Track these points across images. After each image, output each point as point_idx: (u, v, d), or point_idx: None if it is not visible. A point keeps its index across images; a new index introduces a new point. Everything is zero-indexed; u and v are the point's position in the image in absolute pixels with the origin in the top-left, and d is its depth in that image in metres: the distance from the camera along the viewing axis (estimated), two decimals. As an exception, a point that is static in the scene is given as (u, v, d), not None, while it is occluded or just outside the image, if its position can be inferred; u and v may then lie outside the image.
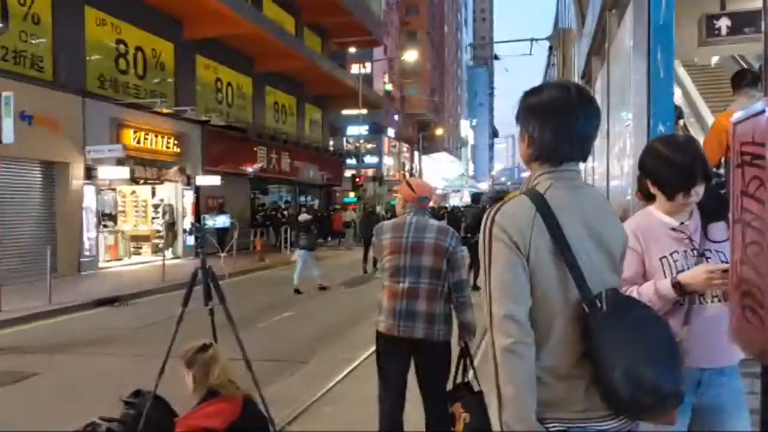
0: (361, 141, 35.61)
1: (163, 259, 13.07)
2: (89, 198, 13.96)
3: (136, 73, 16.49)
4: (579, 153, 1.58)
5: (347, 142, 39.51)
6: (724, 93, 11.87)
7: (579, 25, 10.38)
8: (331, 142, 32.03)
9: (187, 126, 17.31)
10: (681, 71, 10.80)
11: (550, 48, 23.03)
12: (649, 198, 2.22)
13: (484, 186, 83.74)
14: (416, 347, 3.19)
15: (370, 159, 41.83)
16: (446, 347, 3.23)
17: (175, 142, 16.95)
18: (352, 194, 29.47)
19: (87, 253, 13.84)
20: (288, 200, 22.29)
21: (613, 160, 5.83)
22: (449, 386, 3.10)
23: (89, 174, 13.86)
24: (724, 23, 5.54)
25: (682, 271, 2.03)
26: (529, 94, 1.62)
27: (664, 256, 2.08)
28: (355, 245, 22.77)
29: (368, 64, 37.50)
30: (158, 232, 16.95)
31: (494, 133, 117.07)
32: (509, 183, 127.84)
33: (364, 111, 30.38)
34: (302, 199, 27.15)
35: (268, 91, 23.99)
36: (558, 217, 1.48)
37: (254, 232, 17.95)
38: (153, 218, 17.29)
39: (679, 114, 5.46)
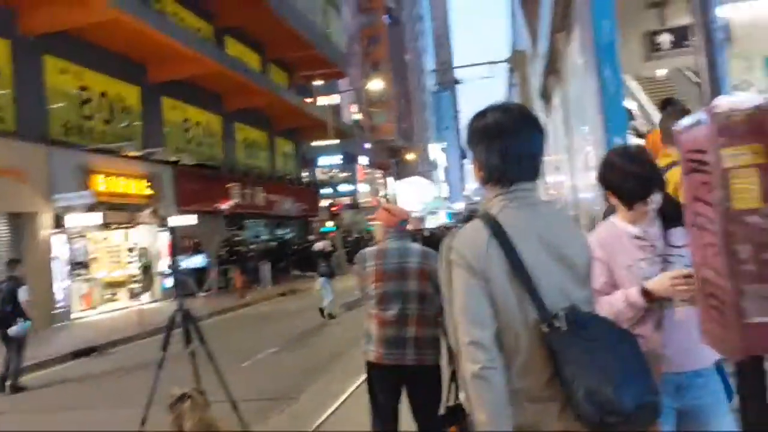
0: (335, 170, 35.72)
1: (141, 304, 12.84)
2: (59, 247, 13.69)
3: (102, 118, 16.38)
4: (528, 173, 1.62)
5: (321, 172, 39.57)
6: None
7: (533, 47, 10.71)
8: (305, 174, 32.05)
9: (158, 167, 17.19)
10: (634, 85, 11.17)
11: (510, 69, 23.62)
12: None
13: (459, 206, 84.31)
14: (408, 374, 3.17)
15: (345, 187, 41.93)
16: (437, 371, 3.22)
17: (147, 184, 16.80)
18: (329, 223, 29.41)
19: (59, 305, 13.51)
20: (257, 235, 21.99)
21: (578, 172, 6.00)
22: (442, 410, 3.11)
23: (58, 223, 13.62)
24: (665, 38, 5.80)
25: (649, 278, 2.09)
26: (475, 119, 1.67)
27: (630, 265, 2.14)
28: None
29: (335, 96, 37.84)
30: (134, 276, 16.65)
31: (463, 154, 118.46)
32: (483, 201, 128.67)
33: (336, 141, 30.55)
34: (279, 232, 27.01)
35: (237, 128, 24.00)
36: (512, 237, 1.50)
37: (233, 269, 17.73)
38: (128, 263, 17.00)
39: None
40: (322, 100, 33.39)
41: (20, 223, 13.09)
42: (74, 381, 8.15)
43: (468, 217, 24.57)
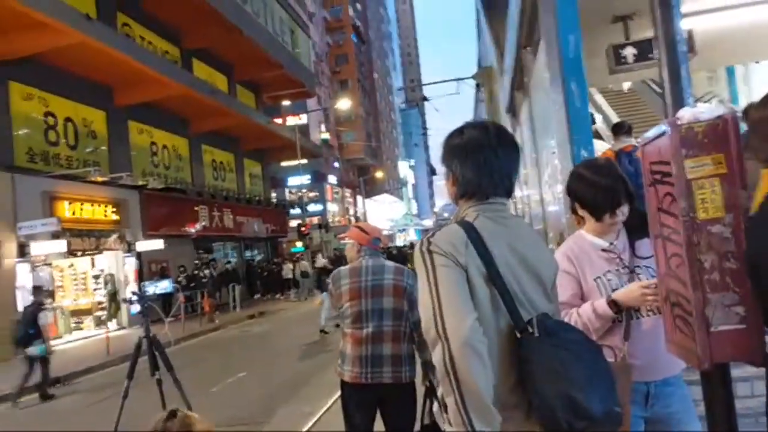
0: (304, 190, 35.60)
1: (107, 332, 12.47)
2: (23, 276, 13.25)
3: (68, 143, 16.02)
4: (502, 188, 1.64)
5: (290, 192, 39.39)
6: (640, 114, 12.68)
7: (499, 63, 10.91)
8: (274, 194, 31.82)
9: (124, 192, 16.86)
10: (599, 98, 11.46)
11: (477, 85, 23.97)
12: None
13: (428, 223, 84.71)
14: (384, 393, 3.13)
15: (314, 207, 41.81)
16: (412, 388, 3.20)
17: (113, 209, 16.44)
18: (299, 244, 29.19)
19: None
20: (214, 258, 21.46)
21: (545, 186, 6.08)
22: (417, 427, 3.07)
23: (22, 251, 13.20)
24: (629, 51, 5.97)
25: (616, 289, 2.12)
26: (451, 137, 1.70)
27: (598, 277, 2.17)
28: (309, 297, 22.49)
29: (303, 115, 37.87)
30: (100, 303, 16.20)
31: (432, 171, 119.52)
32: (452, 218, 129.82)
33: (304, 161, 30.49)
34: (248, 254, 26.68)
35: (204, 150, 23.76)
36: (487, 244, 1.52)
37: (201, 293, 17.37)
38: (94, 290, 16.55)
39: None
40: (291, 120, 33.37)
41: (-20, 252, 12.63)
42: (36, 414, 7.81)
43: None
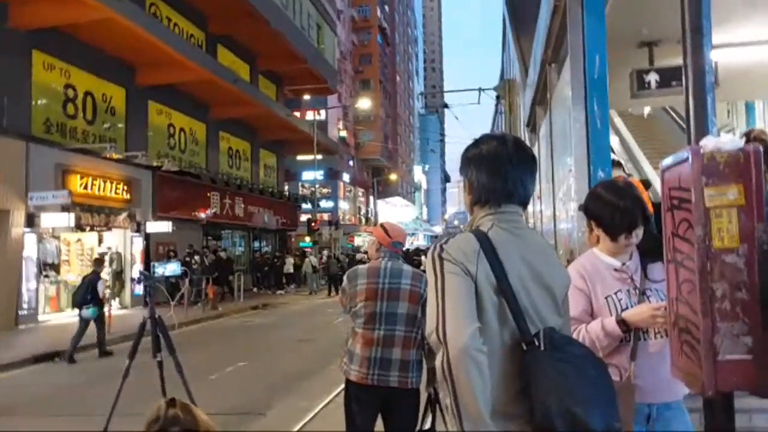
0: (317, 186, 35.70)
1: (109, 310, 12.54)
2: (30, 247, 13.37)
3: (85, 118, 16.18)
4: (516, 196, 1.66)
5: (302, 187, 39.50)
6: (656, 140, 12.64)
7: (523, 77, 10.89)
8: (286, 187, 31.95)
9: (138, 172, 16.98)
10: (618, 120, 11.43)
11: (498, 97, 23.93)
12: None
13: (438, 229, 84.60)
14: (389, 396, 3.12)
15: (325, 203, 41.90)
16: (417, 394, 3.20)
17: (125, 188, 16.57)
18: (307, 239, 29.27)
19: (26, 306, 13.14)
20: (205, 245, 21.22)
21: (559, 203, 6.06)
22: None
23: (31, 222, 13.31)
24: (652, 77, 5.95)
25: (626, 309, 2.14)
26: (469, 148, 1.74)
27: (609, 296, 2.18)
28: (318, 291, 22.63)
29: (323, 111, 37.99)
30: (104, 281, 16.31)
31: (446, 178, 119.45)
32: (461, 226, 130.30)
33: (319, 157, 30.58)
34: (256, 244, 26.77)
35: (222, 137, 23.89)
36: (500, 255, 1.54)
37: (206, 279, 17.46)
38: (99, 267, 16.66)
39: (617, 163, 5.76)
40: (310, 115, 33.48)
41: (-8, 219, 12.77)
42: (33, 386, 7.89)
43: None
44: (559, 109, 5.57)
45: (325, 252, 26.91)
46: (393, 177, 59.03)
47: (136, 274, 15.17)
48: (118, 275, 16.05)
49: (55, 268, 15.30)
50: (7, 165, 12.71)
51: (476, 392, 1.40)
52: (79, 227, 14.96)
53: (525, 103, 10.18)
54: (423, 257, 26.10)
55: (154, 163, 17.54)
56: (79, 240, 16.47)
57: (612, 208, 2.16)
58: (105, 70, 16.54)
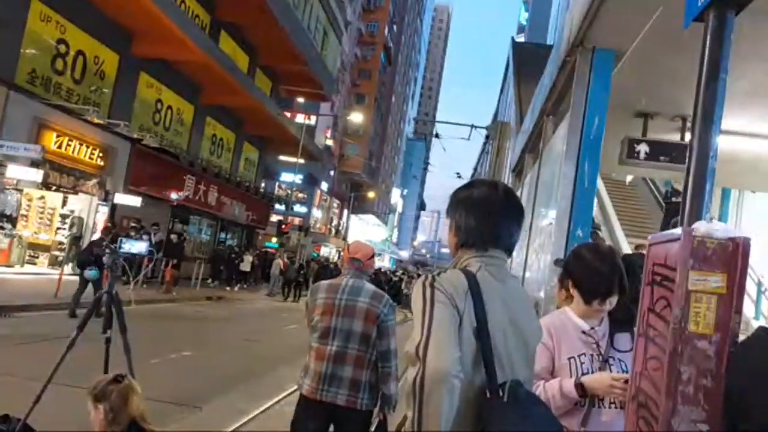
0: (294, 189, 35.48)
1: (61, 273, 12.19)
2: (-9, 195, 12.95)
3: (73, 76, 15.82)
4: (503, 241, 1.67)
5: (279, 187, 39.23)
6: (631, 209, 12.91)
7: (517, 123, 11.08)
8: (263, 184, 31.66)
9: (116, 140, 16.63)
10: (599, 183, 11.66)
11: (487, 137, 24.25)
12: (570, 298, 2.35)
13: (405, 254, 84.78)
14: (337, 414, 3.07)
15: (299, 208, 41.65)
16: (367, 417, 3.13)
17: (100, 154, 16.19)
18: (274, 240, 28.97)
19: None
20: (171, 228, 19.67)
21: (532, 253, 6.12)
22: None
23: (-3, 170, 12.91)
24: (643, 148, 6.10)
25: (587, 373, 2.14)
26: (460, 190, 1.76)
27: (573, 357, 2.18)
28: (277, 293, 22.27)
29: (314, 117, 37.96)
30: (61, 243, 15.85)
31: (422, 206, 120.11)
32: (428, 255, 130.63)
33: (302, 161, 30.45)
34: (222, 235, 26.37)
35: (208, 122, 23.63)
36: (485, 298, 1.54)
37: (165, 261, 17.07)
38: (58, 229, 16.20)
39: (596, 227, 5.88)
40: (300, 117, 33.40)
41: (-45, 160, 12.35)
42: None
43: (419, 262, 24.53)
44: (549, 162, 5.65)
45: (284, 256, 26.30)
46: (371, 194, 59.12)
47: (104, 248, 14.73)
48: (76, 240, 15.60)
49: (12, 221, 14.82)
50: (-17, 108, 12.33)
51: (442, 416, 1.38)
52: (46, 185, 14.55)
53: (515, 148, 10.35)
54: (390, 278, 26.11)
55: (135, 135, 17.21)
56: (42, 197, 16.01)
57: (591, 272, 2.18)
58: (102, 33, 16.24)
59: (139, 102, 18.77)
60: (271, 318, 15.60)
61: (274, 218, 30.84)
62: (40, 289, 11.76)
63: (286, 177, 37.56)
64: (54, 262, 15.39)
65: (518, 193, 7.98)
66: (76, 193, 15.89)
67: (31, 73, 14.36)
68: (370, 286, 3.24)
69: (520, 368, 1.59)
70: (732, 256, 1.64)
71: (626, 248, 10.10)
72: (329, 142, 46.80)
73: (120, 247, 4.09)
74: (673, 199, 8.49)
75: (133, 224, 16.83)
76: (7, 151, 12.78)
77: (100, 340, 3.41)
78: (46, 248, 15.91)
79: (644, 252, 2.02)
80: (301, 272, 23.75)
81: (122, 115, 17.04)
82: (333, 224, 53.11)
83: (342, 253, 3.54)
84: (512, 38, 22.76)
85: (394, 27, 66.32)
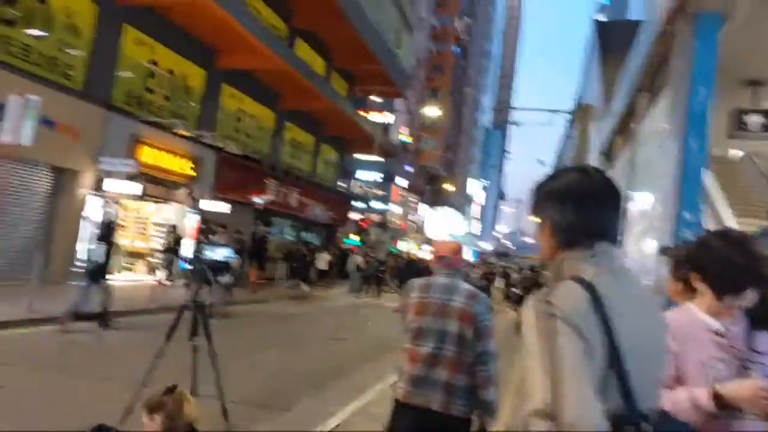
0: (371, 187, 35.71)
1: (156, 280, 12.81)
2: (92, 208, 13.84)
3: (164, 93, 16.68)
4: (610, 234, 1.40)
5: (357, 186, 39.67)
6: (734, 189, 11.82)
7: (603, 103, 10.42)
8: (341, 183, 32.05)
9: (203, 150, 17.36)
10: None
11: (571, 121, 23.25)
12: (693, 290, 2.05)
13: (487, 246, 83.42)
14: (431, 420, 2.86)
15: (377, 205, 41.93)
16: (465, 426, 2.89)
17: (189, 164, 16.96)
18: (355, 237, 29.27)
19: (78, 264, 13.59)
20: (254, 230, 20.48)
21: (631, 240, 5.66)
22: None
23: (98, 185, 13.79)
24: (755, 119, 5.47)
25: (722, 381, 1.82)
26: (545, 182, 1.48)
27: (704, 362, 1.87)
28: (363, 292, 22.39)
29: (389, 114, 38.01)
30: (156, 251, 16.70)
31: (501, 195, 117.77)
32: (512, 246, 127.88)
33: (379, 158, 30.56)
34: (304, 235, 26.94)
35: (287, 127, 24.19)
36: (608, 313, 1.25)
37: (250, 264, 17.60)
38: (153, 237, 17.09)
39: None
40: (374, 115, 33.55)
41: (62, 178, 13.29)
42: (71, 343, 8.03)
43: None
44: (646, 141, 5.19)
45: (359, 251, 26.02)
46: (449, 187, 58.54)
47: (186, 252, 15.40)
48: (170, 248, 16.38)
49: (113, 230, 15.74)
50: (86, 129, 13.22)
51: None
52: (141, 196, 15.38)
53: (602, 130, 9.72)
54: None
55: (219, 144, 17.88)
56: (137, 208, 16.95)
57: (723, 262, 1.85)
58: (188, 51, 17.02)
59: (222, 112, 19.50)
60: (353, 315, 15.68)
61: (354, 216, 31.13)
62: (136, 295, 12.41)
63: (363, 175, 37.86)
64: (149, 270, 16.21)
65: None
66: (168, 202, 16.69)
67: (127, 93, 15.26)
68: (465, 285, 3.02)
69: (651, 389, 1.32)
70: None
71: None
72: (405, 138, 46.77)
73: (203, 255, 4.12)
74: None
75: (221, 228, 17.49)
76: (106, 167, 13.65)
77: (189, 347, 3.42)
78: (141, 256, 16.82)
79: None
80: (380, 268, 23.73)
81: (208, 126, 17.77)
82: (411, 219, 53.07)
83: (432, 252, 3.35)
84: (595, 19, 21.68)
85: (466, 18, 65.27)
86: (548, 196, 1.44)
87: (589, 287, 1.27)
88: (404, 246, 46.24)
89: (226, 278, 11.77)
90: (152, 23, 15.35)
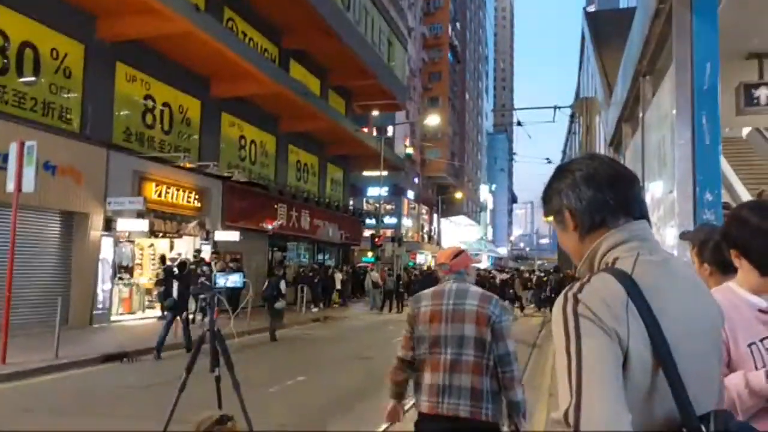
0: (381, 202, 35.68)
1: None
2: (106, 250, 13.88)
3: (162, 128, 16.76)
4: (635, 206, 1.25)
5: (367, 202, 39.64)
6: (747, 165, 11.66)
7: (605, 94, 10.32)
8: (351, 202, 32.06)
9: (209, 181, 17.41)
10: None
11: (572, 116, 23.10)
12: (723, 271, 1.94)
13: (503, 251, 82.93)
14: (461, 428, 2.79)
15: (389, 220, 41.86)
16: (495, 430, 2.84)
17: (196, 196, 17.01)
18: (370, 254, 29.21)
19: (100, 306, 13.63)
20: (270, 257, 20.76)
21: (652, 228, 5.53)
22: None
23: (108, 225, 13.84)
24: (763, 93, 5.36)
25: (774, 361, 1.71)
26: (553, 180, 1.34)
27: (754, 343, 1.76)
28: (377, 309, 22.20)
29: (390, 128, 38.09)
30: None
31: (513, 199, 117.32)
32: (527, 249, 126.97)
33: (385, 173, 30.55)
34: (320, 257, 26.92)
35: (291, 150, 24.27)
36: (652, 305, 1.11)
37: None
38: (169, 272, 17.11)
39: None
40: (377, 131, 33.62)
41: (72, 222, 13.36)
42: (98, 385, 8.00)
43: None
44: (654, 126, 5.08)
45: (384, 268, 26.01)
46: (458, 195, 58.37)
47: (199, 285, 15.43)
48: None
49: (129, 270, 15.84)
50: (89, 170, 13.30)
51: None
52: (153, 233, 15.43)
53: (608, 120, 9.62)
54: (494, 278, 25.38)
55: (225, 174, 17.93)
56: (151, 245, 17.00)
57: (763, 236, 1.75)
58: (182, 82, 17.11)
59: (224, 141, 19.58)
60: (377, 332, 15.54)
61: (367, 233, 31.09)
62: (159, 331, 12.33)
63: (372, 191, 37.87)
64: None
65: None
66: (180, 236, 16.73)
67: (126, 131, 15.35)
68: (476, 288, 2.97)
69: (709, 386, 1.17)
70: None
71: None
72: (409, 150, 46.78)
73: (215, 282, 4.06)
74: None
75: (234, 258, 17.53)
76: (114, 207, 13.72)
77: (211, 379, 3.35)
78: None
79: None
80: (400, 282, 23.58)
81: (211, 156, 17.84)
82: (424, 231, 52.92)
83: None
84: (584, 10, 21.60)
85: (457, 25, 65.55)
86: (560, 185, 1.32)
87: (626, 278, 1.13)
88: (421, 258, 46.06)
89: (280, 303, 12.53)
90: (142, 58, 15.42)
